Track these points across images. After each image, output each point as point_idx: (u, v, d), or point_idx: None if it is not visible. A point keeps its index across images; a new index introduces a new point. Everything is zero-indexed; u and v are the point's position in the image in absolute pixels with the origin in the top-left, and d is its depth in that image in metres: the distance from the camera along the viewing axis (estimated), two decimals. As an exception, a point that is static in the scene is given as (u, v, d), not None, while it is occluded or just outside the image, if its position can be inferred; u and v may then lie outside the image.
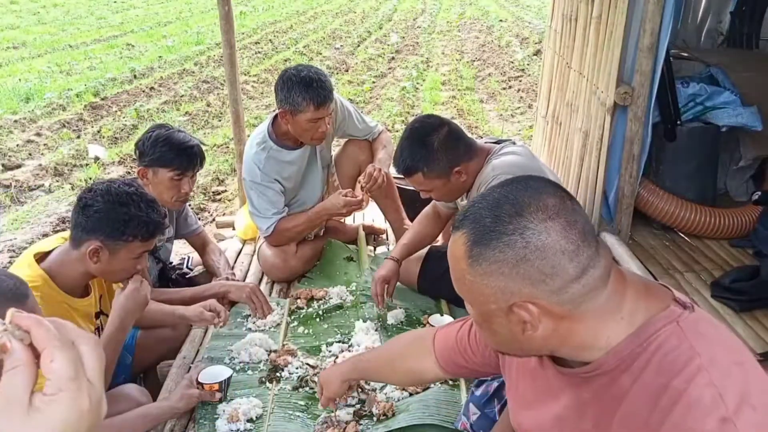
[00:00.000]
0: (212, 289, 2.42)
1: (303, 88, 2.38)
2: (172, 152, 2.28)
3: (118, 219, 1.72)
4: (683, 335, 0.87)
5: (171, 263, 2.70)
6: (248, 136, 3.60)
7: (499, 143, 2.27)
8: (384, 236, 3.24)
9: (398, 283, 2.60)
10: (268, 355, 2.20)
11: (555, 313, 0.87)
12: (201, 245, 2.77)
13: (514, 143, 2.27)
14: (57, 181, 4.90)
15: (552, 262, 0.84)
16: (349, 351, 2.22)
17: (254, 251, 3.03)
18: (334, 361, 2.15)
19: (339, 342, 2.29)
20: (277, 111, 2.54)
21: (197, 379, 1.92)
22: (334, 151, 3.06)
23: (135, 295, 1.82)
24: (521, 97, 7.17)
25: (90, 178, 4.83)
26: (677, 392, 0.83)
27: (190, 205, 4.42)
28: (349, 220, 3.32)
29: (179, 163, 2.29)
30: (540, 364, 1.04)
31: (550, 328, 0.89)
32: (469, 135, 2.29)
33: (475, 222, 0.88)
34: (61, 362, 0.50)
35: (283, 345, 2.29)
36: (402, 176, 2.26)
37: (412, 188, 3.06)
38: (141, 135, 2.39)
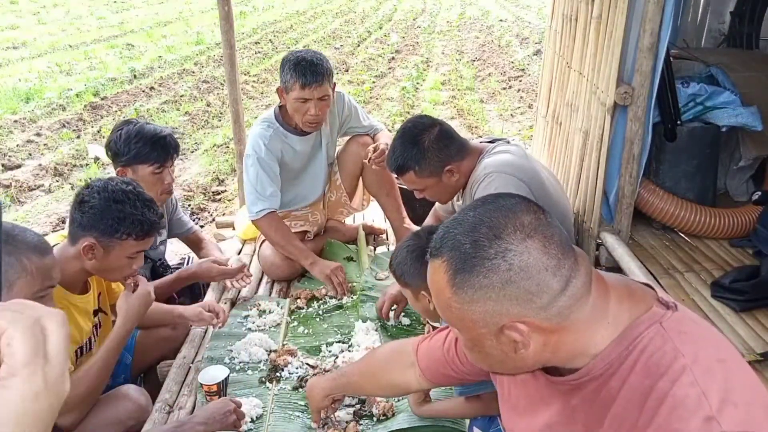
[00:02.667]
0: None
1: (292, 67, 2.45)
2: (147, 146, 2.25)
3: (113, 216, 1.72)
4: (667, 336, 0.87)
5: (160, 260, 2.67)
6: (248, 136, 3.60)
7: (493, 142, 2.28)
8: (384, 236, 3.24)
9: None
10: (268, 355, 2.20)
11: (544, 328, 0.87)
12: (196, 243, 2.76)
13: (507, 142, 2.28)
14: (57, 181, 4.90)
15: (537, 280, 0.84)
16: (349, 351, 2.22)
17: (254, 251, 3.03)
18: (334, 362, 2.15)
19: (339, 342, 2.29)
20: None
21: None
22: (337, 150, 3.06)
23: (141, 295, 1.85)
24: (521, 97, 7.16)
25: (90, 178, 4.82)
26: (663, 393, 0.84)
27: (190, 206, 4.43)
28: (349, 220, 3.32)
29: (156, 156, 2.27)
30: (531, 373, 1.05)
31: (541, 343, 0.89)
32: (470, 135, 2.30)
33: (454, 249, 0.87)
34: (18, 345, 0.50)
35: (283, 345, 2.29)
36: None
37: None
38: (109, 135, 2.34)
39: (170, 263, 2.97)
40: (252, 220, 2.68)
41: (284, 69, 2.48)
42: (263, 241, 2.80)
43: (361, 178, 2.97)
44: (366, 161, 2.73)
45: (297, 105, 2.50)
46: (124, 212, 1.73)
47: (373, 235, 3.23)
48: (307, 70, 2.43)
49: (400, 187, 2.98)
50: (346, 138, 2.97)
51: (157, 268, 2.62)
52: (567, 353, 0.91)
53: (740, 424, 0.80)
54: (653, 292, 0.95)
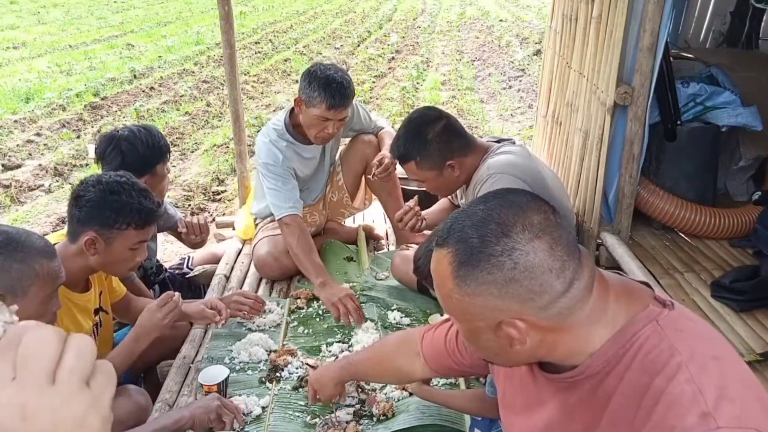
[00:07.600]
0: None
1: (322, 86, 2.41)
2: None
3: (111, 207, 1.74)
4: (663, 334, 0.88)
5: (151, 268, 2.62)
6: (248, 136, 3.60)
7: (500, 142, 2.29)
8: (383, 242, 3.23)
9: (398, 283, 2.61)
10: (268, 355, 2.20)
11: (543, 327, 0.88)
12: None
13: (513, 143, 2.29)
14: (57, 181, 4.90)
15: (540, 280, 0.85)
16: (349, 351, 2.22)
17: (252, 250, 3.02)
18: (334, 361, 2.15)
19: (339, 342, 2.29)
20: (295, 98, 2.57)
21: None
22: (340, 150, 3.06)
23: (152, 315, 1.87)
24: (521, 97, 7.17)
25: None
26: (659, 390, 0.84)
27: (190, 205, 4.43)
28: (348, 221, 3.32)
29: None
30: (529, 371, 1.05)
31: (538, 341, 0.90)
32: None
33: (461, 241, 0.88)
34: None
35: (283, 345, 2.29)
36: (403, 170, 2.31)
37: (413, 188, 3.06)
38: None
39: (170, 263, 2.97)
40: (278, 221, 2.59)
41: (310, 84, 2.43)
42: (260, 239, 2.80)
43: (364, 175, 2.96)
44: (370, 177, 2.73)
45: (316, 122, 2.48)
46: (120, 202, 1.75)
47: (372, 239, 3.22)
48: (337, 92, 2.40)
49: (402, 187, 2.99)
50: (350, 136, 2.97)
51: (149, 276, 2.58)
52: (564, 351, 0.92)
53: (736, 419, 0.80)
54: (651, 290, 0.96)
